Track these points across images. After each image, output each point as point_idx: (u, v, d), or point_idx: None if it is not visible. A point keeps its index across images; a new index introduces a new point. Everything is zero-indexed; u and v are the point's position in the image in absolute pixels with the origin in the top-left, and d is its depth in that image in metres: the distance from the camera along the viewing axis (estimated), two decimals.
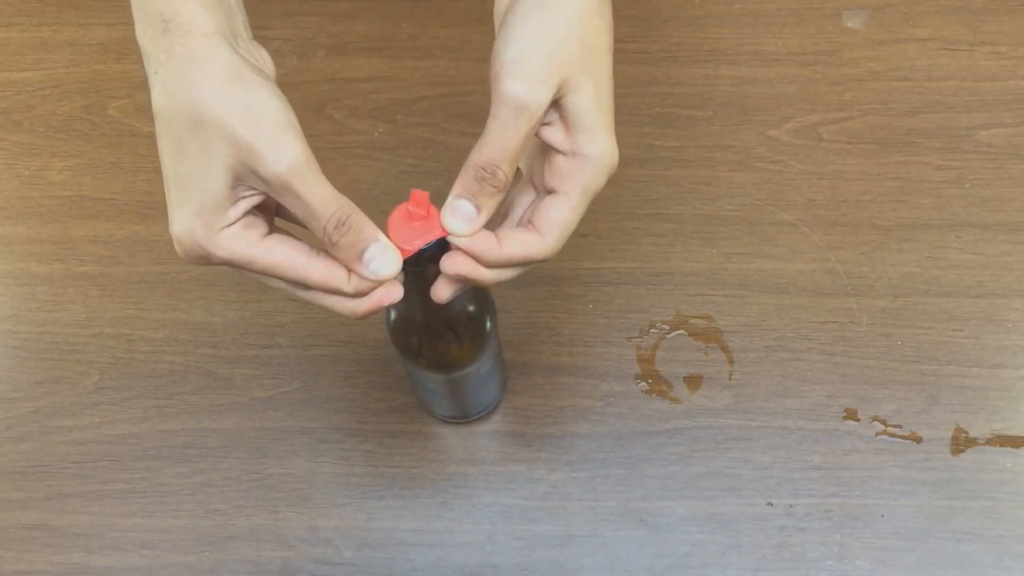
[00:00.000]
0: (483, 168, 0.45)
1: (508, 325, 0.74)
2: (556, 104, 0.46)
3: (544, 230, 0.47)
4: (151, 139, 0.82)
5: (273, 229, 0.47)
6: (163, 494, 0.71)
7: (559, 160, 0.47)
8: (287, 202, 0.44)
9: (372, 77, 0.82)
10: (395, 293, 0.47)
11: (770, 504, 0.69)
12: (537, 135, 0.47)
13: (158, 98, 0.44)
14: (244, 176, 0.44)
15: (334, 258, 0.46)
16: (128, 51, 0.84)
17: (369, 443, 0.72)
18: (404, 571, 0.69)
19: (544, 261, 0.48)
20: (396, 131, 0.80)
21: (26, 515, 0.71)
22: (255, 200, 0.45)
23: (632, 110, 0.80)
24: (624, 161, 0.78)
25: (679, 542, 0.69)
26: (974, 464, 0.70)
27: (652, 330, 0.74)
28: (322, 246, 0.46)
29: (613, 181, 0.77)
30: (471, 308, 0.58)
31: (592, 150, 0.47)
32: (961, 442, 0.71)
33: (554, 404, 0.72)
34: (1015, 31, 0.82)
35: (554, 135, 0.47)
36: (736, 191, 0.78)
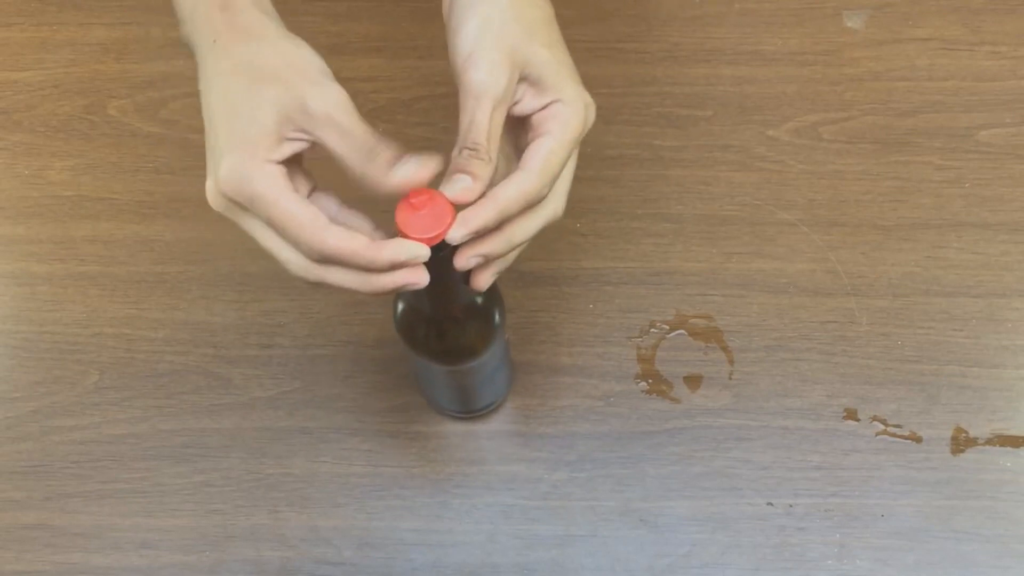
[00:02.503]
0: (467, 147, 0.49)
1: (508, 325, 0.73)
2: (522, 81, 0.50)
3: (530, 166, 0.49)
4: (151, 139, 0.82)
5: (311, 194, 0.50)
6: (163, 494, 0.71)
7: (535, 117, 0.50)
8: (330, 137, 0.47)
9: (372, 77, 0.82)
10: (422, 277, 0.48)
11: (770, 504, 0.69)
12: (512, 114, 0.50)
13: (217, 62, 0.49)
14: (292, 113, 0.47)
15: (366, 184, 0.48)
16: (128, 51, 0.84)
17: (369, 443, 0.72)
18: (404, 571, 0.69)
19: (539, 199, 0.49)
20: (396, 131, 0.80)
21: (26, 515, 0.71)
22: (299, 145, 0.48)
23: (632, 110, 0.80)
24: (624, 161, 0.79)
25: (679, 542, 0.69)
26: (974, 464, 0.70)
27: (652, 330, 0.74)
28: (353, 175, 0.48)
29: (613, 181, 0.78)
30: (479, 299, 0.58)
31: (563, 94, 0.50)
32: (961, 442, 0.71)
33: (554, 404, 0.72)
34: (1015, 31, 0.82)
35: (528, 103, 0.50)
36: (736, 191, 0.78)
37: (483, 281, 0.51)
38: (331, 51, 0.83)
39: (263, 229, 0.49)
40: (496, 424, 0.72)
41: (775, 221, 0.77)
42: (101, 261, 0.77)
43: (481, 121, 0.49)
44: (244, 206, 0.48)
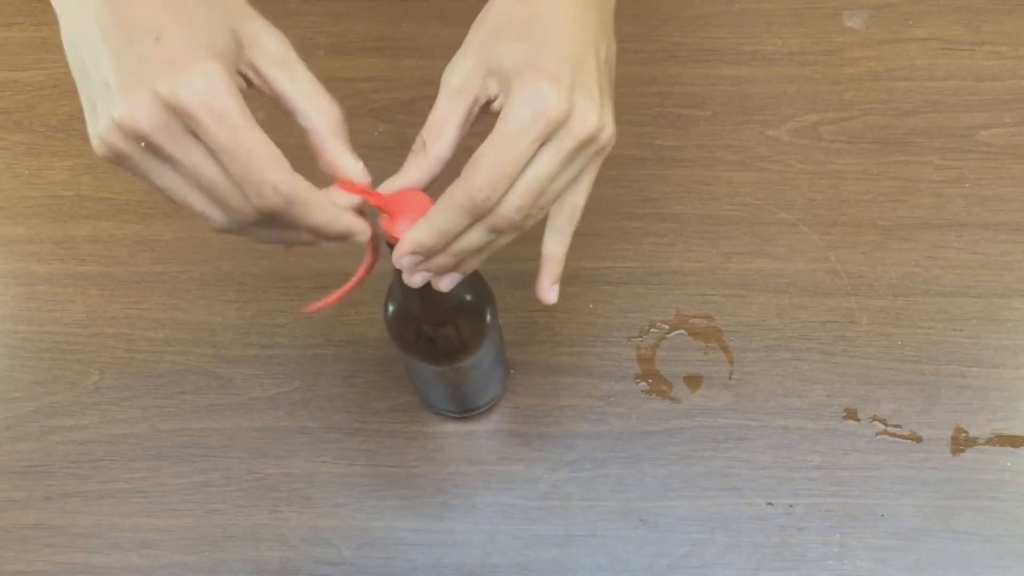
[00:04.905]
0: (420, 135, 0.49)
1: (508, 325, 0.74)
2: (492, 76, 0.48)
3: (465, 171, 0.46)
4: None
5: None
6: (163, 494, 0.71)
7: None
8: (285, 79, 0.45)
9: (372, 77, 0.82)
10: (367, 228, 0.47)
11: (770, 504, 0.69)
12: (492, 112, 0.48)
13: None
14: (246, 43, 0.44)
15: (320, 146, 0.46)
16: None
17: (369, 443, 0.72)
18: (404, 571, 0.69)
19: (479, 206, 0.46)
20: (396, 131, 0.80)
21: (26, 515, 0.71)
22: (241, 84, 0.44)
23: (632, 110, 0.80)
24: (624, 161, 0.79)
25: (679, 542, 0.69)
26: (974, 464, 0.70)
27: (652, 330, 0.74)
28: (318, 131, 0.45)
29: (613, 181, 0.78)
30: (469, 298, 0.58)
31: (512, 88, 0.46)
32: (961, 442, 0.71)
33: (554, 404, 0.72)
34: (1015, 31, 0.82)
35: (500, 101, 0.48)
36: (736, 191, 0.78)
37: (443, 285, 0.49)
38: (331, 51, 0.84)
39: (206, 159, 0.42)
40: (496, 424, 0.72)
41: (775, 221, 0.77)
42: (101, 261, 0.77)
43: (438, 111, 0.49)
44: (196, 125, 0.41)
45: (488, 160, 0.45)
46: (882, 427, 0.71)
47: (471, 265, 0.50)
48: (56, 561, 0.69)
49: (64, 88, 0.83)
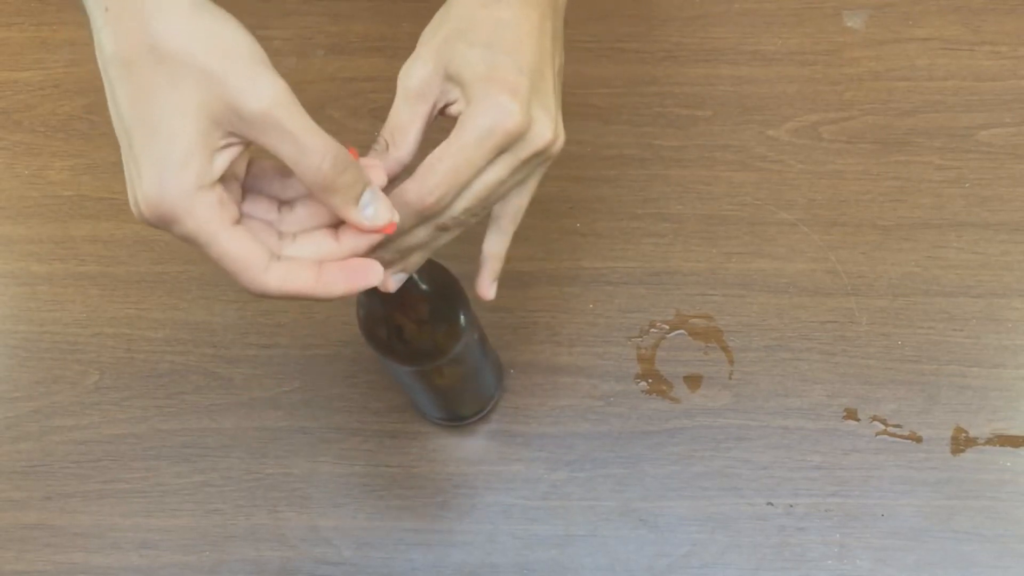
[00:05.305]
0: (381, 135, 0.49)
1: (508, 325, 0.74)
2: (450, 80, 0.48)
3: (418, 173, 0.47)
4: None
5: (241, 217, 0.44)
6: (163, 494, 0.71)
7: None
8: (271, 141, 0.41)
9: (372, 77, 0.82)
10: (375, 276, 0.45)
11: (770, 504, 0.69)
12: (449, 115, 0.49)
13: (112, 43, 0.40)
14: (220, 117, 0.40)
15: (323, 203, 0.43)
16: None
17: (369, 443, 0.72)
18: (404, 571, 0.69)
19: (427, 209, 0.46)
20: None
21: (26, 515, 0.71)
22: (234, 151, 0.42)
23: (632, 110, 0.80)
24: (624, 161, 0.79)
25: (679, 542, 0.69)
26: (974, 464, 0.70)
27: (652, 330, 0.74)
28: (314, 192, 0.42)
29: (613, 181, 0.78)
30: (426, 289, 0.57)
31: (473, 96, 0.47)
32: (961, 442, 0.71)
33: (554, 404, 0.72)
34: (1015, 31, 0.82)
35: (458, 105, 0.49)
36: (736, 191, 0.78)
37: (389, 284, 0.50)
38: (331, 51, 0.84)
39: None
40: (496, 424, 0.72)
41: (775, 221, 0.77)
42: (101, 261, 0.78)
43: (398, 115, 0.49)
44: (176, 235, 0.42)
45: (444, 165, 0.46)
46: (882, 427, 0.71)
47: (414, 262, 0.50)
48: (56, 561, 0.70)
49: (64, 88, 0.83)
